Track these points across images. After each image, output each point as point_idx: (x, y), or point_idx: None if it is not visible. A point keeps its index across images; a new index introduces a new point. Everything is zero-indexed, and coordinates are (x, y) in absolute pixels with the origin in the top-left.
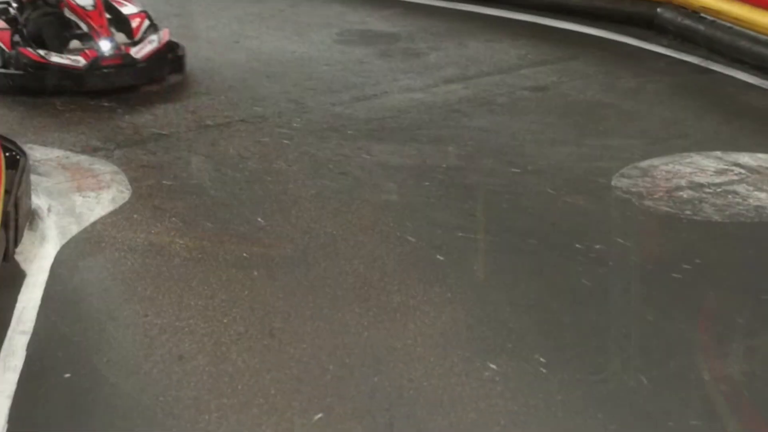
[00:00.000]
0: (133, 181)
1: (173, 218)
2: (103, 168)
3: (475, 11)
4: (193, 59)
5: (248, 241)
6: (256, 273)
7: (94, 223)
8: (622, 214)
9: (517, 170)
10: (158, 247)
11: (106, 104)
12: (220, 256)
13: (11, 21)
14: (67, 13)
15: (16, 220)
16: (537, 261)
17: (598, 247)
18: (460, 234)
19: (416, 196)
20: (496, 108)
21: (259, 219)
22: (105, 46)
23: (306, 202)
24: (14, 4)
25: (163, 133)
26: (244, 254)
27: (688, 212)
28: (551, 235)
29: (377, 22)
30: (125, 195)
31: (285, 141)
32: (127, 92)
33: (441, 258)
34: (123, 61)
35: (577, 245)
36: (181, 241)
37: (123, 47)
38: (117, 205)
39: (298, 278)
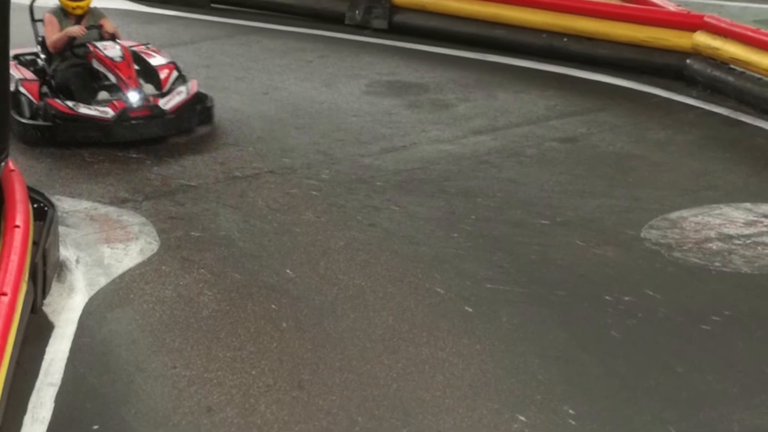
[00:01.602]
0: (161, 232)
1: (201, 270)
2: (132, 219)
3: (504, 62)
4: (221, 110)
5: (277, 293)
6: (284, 325)
7: (122, 275)
8: (652, 265)
9: (545, 222)
10: (187, 298)
11: (134, 155)
12: (248, 308)
13: (39, 72)
14: (96, 65)
15: (44, 272)
16: (566, 312)
17: (627, 298)
18: (489, 285)
19: (445, 247)
20: (525, 159)
21: (288, 271)
22: (133, 97)
23: (335, 254)
24: (42, 56)
25: (192, 184)
26: (273, 306)
27: (717, 264)
28: (580, 287)
29: (406, 72)
30: (153, 246)
31: (314, 192)
32: (155, 143)
33: (470, 309)
34: (151, 112)
35: (606, 297)
36: (209, 293)
37: (151, 98)
38: (145, 257)
39: (327, 330)
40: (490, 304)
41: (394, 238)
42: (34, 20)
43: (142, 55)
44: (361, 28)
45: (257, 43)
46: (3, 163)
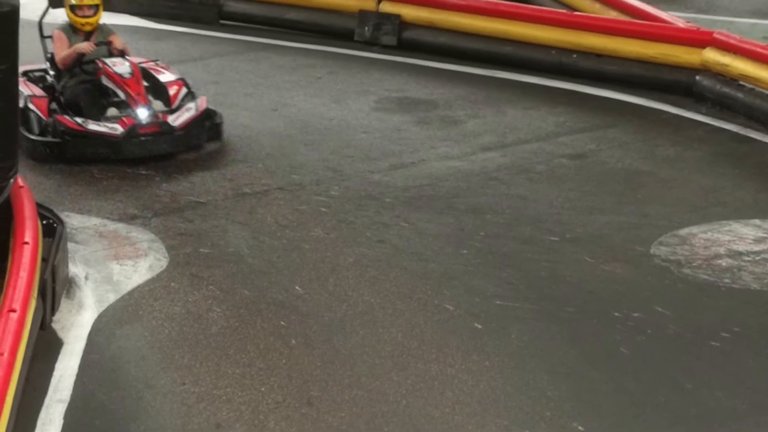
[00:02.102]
0: (170, 249)
1: (210, 286)
2: (141, 236)
3: (513, 79)
4: (230, 127)
5: (286, 309)
6: (293, 341)
7: (131, 291)
8: (661, 282)
9: (555, 238)
10: (196, 315)
11: (143, 172)
12: (257, 325)
13: (48, 89)
14: (105, 81)
15: (53, 289)
16: (575, 329)
17: (636, 315)
18: (498, 302)
19: (454, 264)
20: (534, 176)
21: (297, 287)
22: (142, 114)
23: (344, 270)
24: (51, 72)
25: (201, 201)
26: (282, 322)
27: (726, 280)
28: (589, 303)
29: (415, 89)
30: (162, 263)
31: (323, 209)
32: (164, 160)
33: (479, 326)
34: (160, 129)
35: (615, 313)
36: (218, 309)
37: (160, 115)
38: (154, 274)
39: (336, 346)
40: (500, 321)
41: (404, 254)
42: (43, 36)
43: (151, 71)
44: (370, 44)
45: (266, 59)
46: (12, 180)
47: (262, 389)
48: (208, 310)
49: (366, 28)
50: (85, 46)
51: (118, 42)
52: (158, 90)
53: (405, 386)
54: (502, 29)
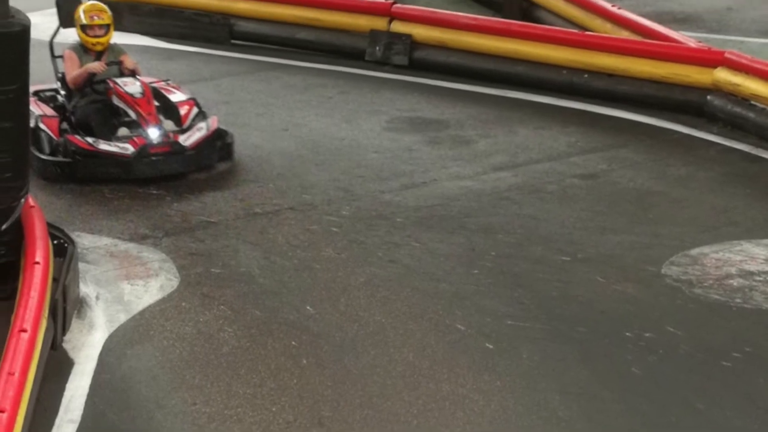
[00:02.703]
0: (181, 269)
1: (222, 306)
2: (152, 256)
3: (524, 98)
4: (241, 147)
5: (297, 330)
6: (305, 361)
7: (142, 311)
8: (672, 302)
9: (566, 258)
10: (207, 335)
11: (154, 192)
12: (268, 345)
13: (59, 108)
14: (116, 101)
15: (64, 308)
16: (586, 349)
17: (647, 335)
18: (510, 322)
19: (465, 284)
20: (546, 196)
21: (308, 307)
22: (153, 133)
23: (355, 290)
24: (62, 92)
25: (212, 220)
26: (293, 342)
27: (738, 300)
28: (601, 324)
29: (426, 109)
30: (173, 283)
31: (334, 229)
32: (175, 180)
33: (490, 346)
34: (171, 148)
35: (626, 333)
36: (229, 330)
37: (172, 135)
38: (165, 293)
39: (348, 366)
40: (511, 341)
41: (415, 274)
42: (53, 56)
43: (162, 91)
44: (381, 64)
45: (277, 79)
46: (23, 199)
47: (273, 409)
48: (219, 330)
49: (377, 48)
50: (96, 66)
51: (128, 62)
52: (169, 110)
53: (416, 406)
54: (514, 49)
